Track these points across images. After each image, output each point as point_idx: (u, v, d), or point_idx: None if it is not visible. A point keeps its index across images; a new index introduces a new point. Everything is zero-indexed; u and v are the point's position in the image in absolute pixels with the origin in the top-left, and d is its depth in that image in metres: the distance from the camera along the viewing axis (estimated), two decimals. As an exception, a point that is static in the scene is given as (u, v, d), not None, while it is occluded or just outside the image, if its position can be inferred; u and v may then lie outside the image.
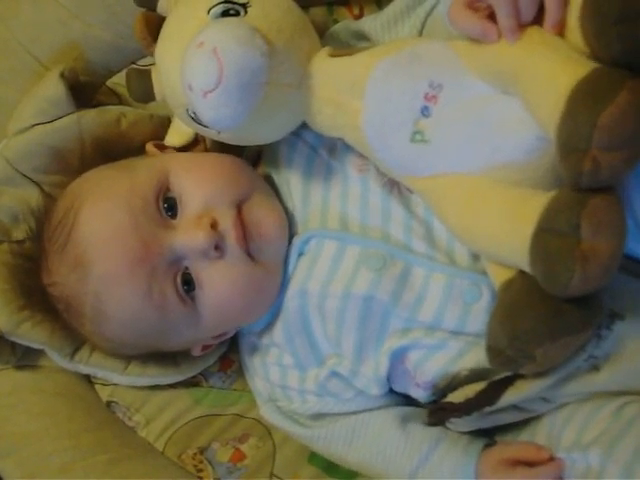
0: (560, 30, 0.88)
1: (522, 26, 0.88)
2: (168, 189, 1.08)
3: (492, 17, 0.89)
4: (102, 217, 1.06)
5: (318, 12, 1.26)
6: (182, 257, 1.05)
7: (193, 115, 1.00)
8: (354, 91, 0.97)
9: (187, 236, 1.04)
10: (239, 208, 1.07)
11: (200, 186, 1.07)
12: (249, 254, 1.06)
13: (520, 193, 0.89)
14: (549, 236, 0.82)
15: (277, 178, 1.14)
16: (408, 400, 1.17)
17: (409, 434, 1.14)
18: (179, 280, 1.06)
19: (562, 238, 0.81)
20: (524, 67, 0.86)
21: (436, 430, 1.14)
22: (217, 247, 1.04)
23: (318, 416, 1.17)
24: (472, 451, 1.11)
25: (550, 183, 0.89)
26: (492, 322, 0.94)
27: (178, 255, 1.05)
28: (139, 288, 1.05)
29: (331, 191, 1.11)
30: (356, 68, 0.98)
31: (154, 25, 1.05)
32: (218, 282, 1.06)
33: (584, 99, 0.78)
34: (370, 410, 1.16)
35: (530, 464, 1.07)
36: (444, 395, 1.10)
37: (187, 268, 1.06)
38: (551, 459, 1.06)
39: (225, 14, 0.97)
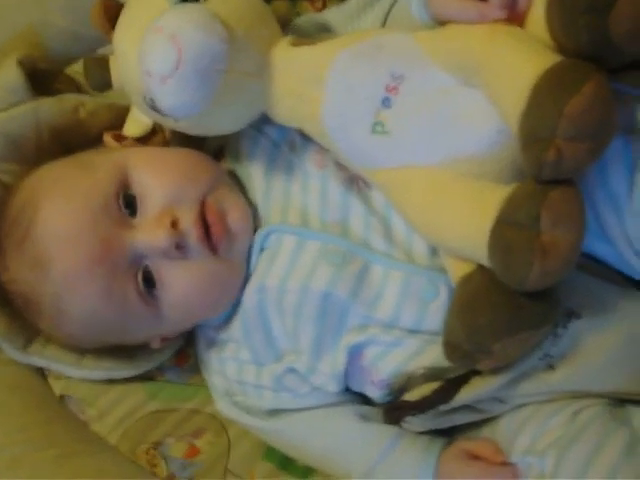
0: (524, 20, 0.89)
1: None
2: (128, 187, 1.06)
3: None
4: (61, 216, 1.05)
5: (281, 6, 1.26)
6: (142, 256, 1.04)
7: (151, 102, 0.99)
8: (315, 81, 0.97)
9: (147, 236, 1.03)
10: (202, 204, 1.06)
11: (161, 184, 1.06)
12: (213, 250, 1.05)
13: (481, 186, 0.89)
14: (508, 228, 0.83)
15: (239, 173, 1.14)
16: (364, 400, 1.17)
17: (368, 429, 1.13)
18: (139, 279, 1.05)
19: (521, 230, 0.81)
20: (488, 57, 0.86)
21: (396, 427, 1.13)
22: (179, 246, 1.03)
23: (274, 412, 1.16)
24: (433, 447, 1.11)
25: (511, 177, 0.89)
26: (450, 316, 0.94)
27: (138, 254, 1.04)
28: (99, 288, 1.04)
29: (292, 186, 1.10)
30: (317, 58, 0.97)
31: (113, 12, 1.04)
32: (180, 280, 1.05)
33: (550, 89, 0.78)
34: (328, 406, 1.15)
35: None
36: (400, 396, 1.10)
37: (148, 267, 1.05)
38: (505, 464, 1.06)
39: (184, 0, 0.96)
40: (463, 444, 1.10)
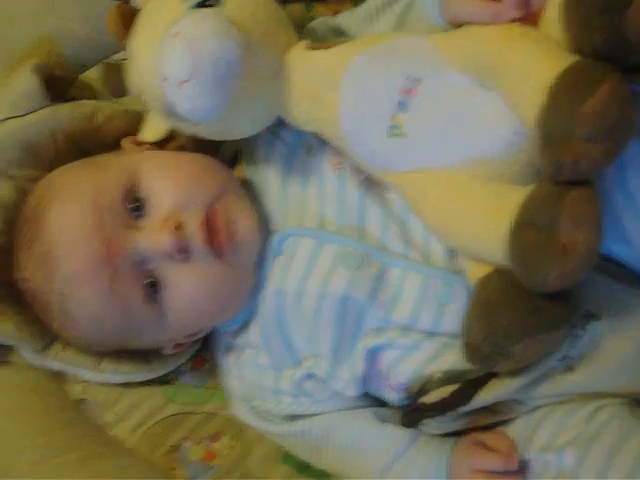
0: (537, 20, 0.89)
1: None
2: (137, 189, 1.07)
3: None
4: (67, 216, 1.05)
5: (295, 9, 1.26)
6: (147, 259, 1.04)
7: (168, 108, 0.99)
8: (331, 84, 0.97)
9: (151, 238, 1.03)
10: (210, 210, 1.05)
11: (169, 187, 1.06)
12: (219, 256, 1.05)
13: (498, 188, 0.89)
14: (527, 230, 0.82)
15: (255, 177, 1.14)
16: (381, 404, 1.17)
17: (386, 429, 1.14)
18: (145, 282, 1.05)
19: (540, 232, 0.81)
20: (504, 59, 0.86)
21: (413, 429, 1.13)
22: (182, 250, 1.02)
23: (293, 417, 1.17)
24: (447, 443, 1.11)
25: (527, 179, 0.89)
26: (469, 318, 0.94)
27: (142, 257, 1.04)
28: (101, 289, 1.04)
29: (309, 190, 1.10)
30: (333, 61, 0.98)
31: (128, 18, 1.04)
32: (184, 284, 1.05)
33: (566, 90, 0.78)
34: (346, 409, 1.15)
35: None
36: (417, 399, 1.10)
37: (153, 270, 1.05)
38: (513, 455, 1.06)
39: (201, 5, 0.96)
40: (477, 435, 1.11)
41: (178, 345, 1.18)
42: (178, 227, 1.02)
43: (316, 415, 1.15)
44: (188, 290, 1.05)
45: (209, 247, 1.03)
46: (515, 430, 1.09)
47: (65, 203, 1.06)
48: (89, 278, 1.04)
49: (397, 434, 1.13)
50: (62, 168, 1.14)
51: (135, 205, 1.06)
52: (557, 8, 0.85)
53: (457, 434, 1.13)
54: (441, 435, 1.13)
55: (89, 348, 1.18)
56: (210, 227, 1.04)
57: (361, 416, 1.15)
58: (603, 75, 0.77)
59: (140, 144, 1.16)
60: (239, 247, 1.06)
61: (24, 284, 1.10)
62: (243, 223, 1.07)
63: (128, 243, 1.04)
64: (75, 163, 1.14)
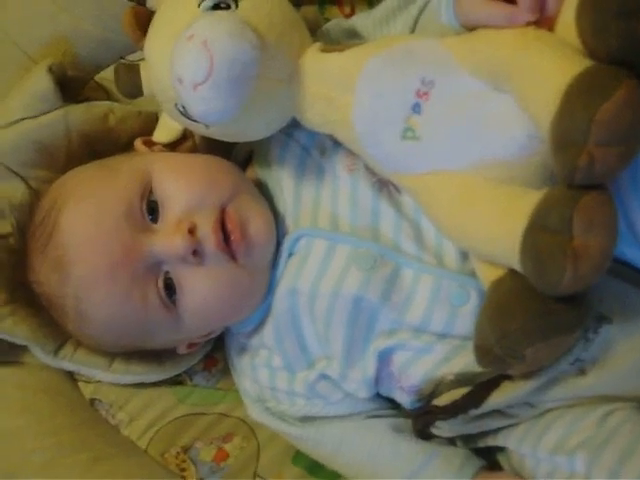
0: (554, 24, 0.89)
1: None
2: (151, 192, 1.07)
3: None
4: (83, 220, 1.05)
5: (309, 10, 1.26)
6: (161, 262, 1.05)
7: (182, 109, 1.00)
8: (345, 86, 0.97)
9: (164, 241, 1.03)
10: (223, 212, 1.05)
11: (181, 190, 1.06)
12: (233, 257, 1.05)
13: (511, 191, 0.89)
14: (540, 233, 0.82)
15: (268, 178, 1.13)
16: (394, 405, 1.17)
17: (400, 446, 1.14)
18: (161, 285, 1.05)
19: (554, 235, 0.80)
20: (519, 63, 0.86)
21: (429, 446, 1.13)
22: (196, 253, 1.02)
23: (307, 418, 1.17)
24: (465, 473, 1.11)
25: (540, 182, 0.89)
26: (481, 321, 0.93)
27: (157, 260, 1.04)
28: (118, 292, 1.04)
29: (322, 190, 1.10)
30: (348, 63, 0.97)
31: (143, 19, 1.05)
32: (199, 287, 1.05)
33: (581, 94, 0.78)
34: (359, 414, 1.16)
35: None
36: (429, 402, 1.10)
37: (168, 272, 1.05)
38: None
39: (216, 7, 0.97)
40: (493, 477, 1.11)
41: (192, 345, 1.19)
42: (191, 230, 1.02)
43: (329, 422, 1.16)
44: (202, 293, 1.05)
45: (223, 250, 1.03)
46: (524, 431, 1.08)
47: (78, 207, 1.06)
48: (104, 281, 1.04)
49: (413, 452, 1.13)
50: (75, 170, 1.14)
51: (149, 208, 1.06)
52: (573, 12, 0.85)
53: (466, 436, 1.13)
54: (450, 438, 1.14)
55: (101, 348, 1.18)
56: (223, 228, 1.04)
57: (376, 427, 1.15)
58: (618, 80, 0.77)
59: (152, 145, 1.16)
60: (252, 247, 1.06)
61: (38, 287, 1.11)
62: (256, 222, 1.07)
63: (144, 246, 1.04)
64: (88, 166, 1.14)
